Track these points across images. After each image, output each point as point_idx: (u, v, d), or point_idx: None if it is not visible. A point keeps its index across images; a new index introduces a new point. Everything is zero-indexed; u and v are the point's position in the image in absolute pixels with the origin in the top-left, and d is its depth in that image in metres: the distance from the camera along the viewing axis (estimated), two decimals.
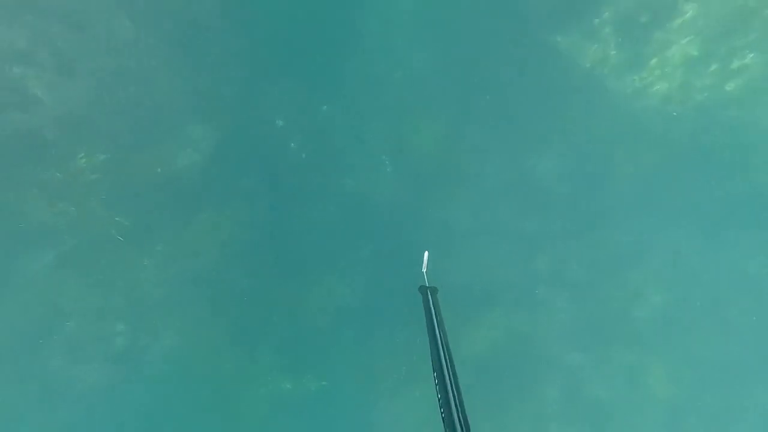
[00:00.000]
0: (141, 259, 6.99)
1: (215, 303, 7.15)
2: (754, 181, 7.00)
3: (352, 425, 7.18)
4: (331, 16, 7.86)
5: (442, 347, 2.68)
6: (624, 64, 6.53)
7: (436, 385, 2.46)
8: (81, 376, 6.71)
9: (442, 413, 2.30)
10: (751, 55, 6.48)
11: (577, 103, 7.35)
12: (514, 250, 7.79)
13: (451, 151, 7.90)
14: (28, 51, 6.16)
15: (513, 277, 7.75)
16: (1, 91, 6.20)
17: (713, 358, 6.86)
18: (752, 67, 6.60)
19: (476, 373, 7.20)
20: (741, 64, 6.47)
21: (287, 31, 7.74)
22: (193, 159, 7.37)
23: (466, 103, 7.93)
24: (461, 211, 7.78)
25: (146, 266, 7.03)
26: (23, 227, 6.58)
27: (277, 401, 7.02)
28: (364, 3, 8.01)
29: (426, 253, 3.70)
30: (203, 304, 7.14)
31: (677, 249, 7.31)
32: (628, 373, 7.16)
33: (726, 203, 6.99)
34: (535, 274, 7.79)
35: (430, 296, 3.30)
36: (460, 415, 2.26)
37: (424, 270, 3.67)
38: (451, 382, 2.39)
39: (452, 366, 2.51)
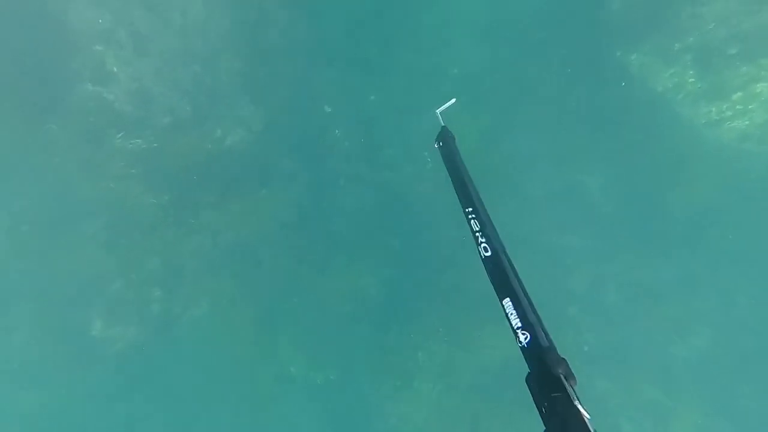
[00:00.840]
0: (183, 231, 7.41)
1: (245, 279, 7.48)
2: None
3: (354, 417, 7.35)
4: (390, 7, 7.77)
5: (469, 184, 2.78)
6: (701, 93, 6.07)
7: (469, 219, 2.58)
8: (117, 337, 7.18)
9: (480, 239, 2.47)
10: None
11: (642, 125, 6.96)
12: (548, 265, 7.64)
13: (497, 156, 7.73)
14: (110, 30, 6.54)
15: (544, 293, 7.62)
16: (82, 65, 6.64)
17: (752, 412, 6.54)
18: None
19: (492, 385, 7.20)
20: None
21: (346, 20, 7.74)
22: (241, 138, 7.67)
23: (520, 108, 7.68)
24: (498, 217, 7.66)
25: (187, 238, 7.41)
26: (78, 196, 7.00)
27: (286, 384, 7.28)
28: None
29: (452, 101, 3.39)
30: (234, 279, 7.49)
31: (727, 291, 6.93)
32: (655, 412, 6.96)
33: None
34: (568, 292, 7.62)
35: (450, 142, 3.20)
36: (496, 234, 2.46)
37: (441, 116, 3.40)
38: (482, 210, 2.58)
39: (480, 201, 2.64)
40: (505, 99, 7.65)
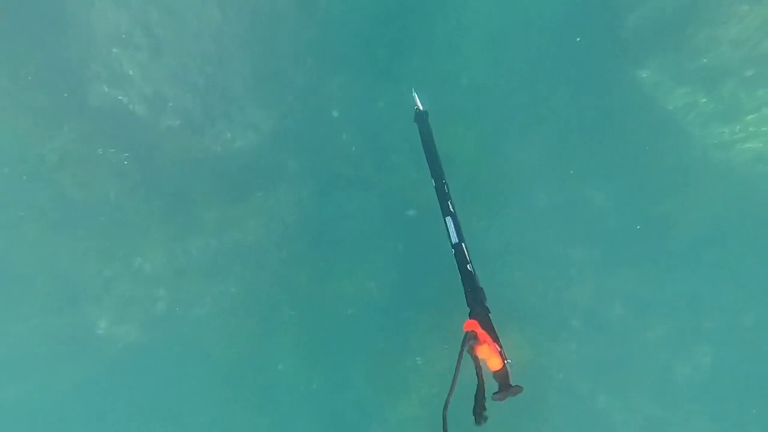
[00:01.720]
0: (189, 230, 7.49)
1: (248, 279, 7.56)
2: None
3: (352, 421, 7.38)
4: (402, 14, 7.82)
5: (437, 160, 3.83)
6: (713, 113, 6.06)
7: (437, 191, 3.65)
8: (121, 335, 7.27)
9: (441, 205, 3.56)
10: None
11: (651, 142, 6.96)
12: (552, 276, 7.66)
13: (503, 166, 7.76)
14: (128, 33, 6.62)
15: (546, 304, 7.64)
16: (99, 67, 6.74)
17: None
18: None
19: (490, 390, 7.20)
20: None
21: (356, 26, 7.80)
22: (250, 141, 7.76)
23: (527, 119, 7.71)
24: (501, 227, 7.70)
25: (193, 237, 7.48)
26: (86, 194, 7.04)
27: (283, 386, 7.34)
28: (439, 5, 7.87)
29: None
30: (237, 280, 7.57)
31: (733, 310, 6.91)
32: (656, 428, 6.95)
33: None
34: (570, 304, 7.63)
35: (425, 120, 4.22)
36: (452, 204, 3.56)
37: (418, 103, 4.33)
38: (446, 186, 3.67)
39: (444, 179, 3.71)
40: (513, 110, 7.67)
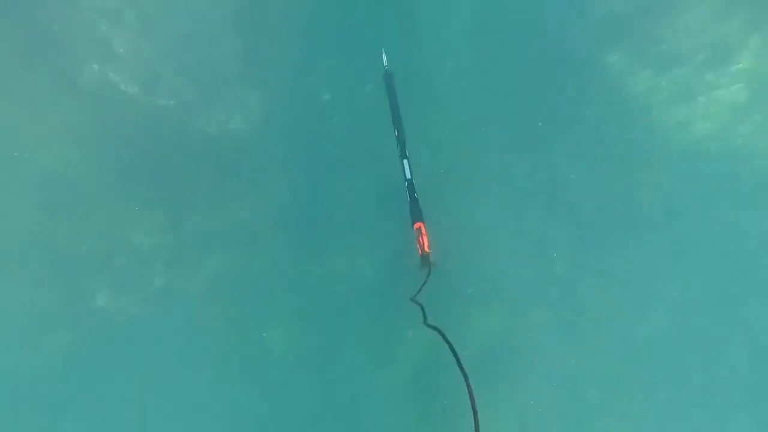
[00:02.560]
0: (184, 209, 7.63)
1: (242, 258, 7.73)
2: None
3: (342, 391, 7.53)
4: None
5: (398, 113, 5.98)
6: (671, 96, 6.65)
7: (397, 138, 5.86)
8: (122, 308, 7.43)
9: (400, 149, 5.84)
10: None
11: (619, 123, 7.48)
12: (530, 252, 8.16)
13: (484, 149, 8.16)
14: (117, 11, 6.64)
15: (528, 276, 8.11)
16: (88, 46, 6.74)
17: (695, 377, 7.25)
18: None
19: (480, 363, 7.65)
20: None
21: (345, 8, 7.94)
22: (242, 122, 7.87)
23: (507, 103, 8.11)
24: (484, 206, 8.14)
25: (188, 216, 7.65)
26: (81, 176, 7.00)
27: (273, 359, 7.44)
28: None
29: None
30: (232, 258, 7.73)
31: (685, 276, 7.61)
32: (617, 381, 7.63)
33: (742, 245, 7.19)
34: (550, 277, 8.14)
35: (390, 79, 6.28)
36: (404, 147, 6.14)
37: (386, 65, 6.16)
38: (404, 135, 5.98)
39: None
40: (494, 94, 8.06)
